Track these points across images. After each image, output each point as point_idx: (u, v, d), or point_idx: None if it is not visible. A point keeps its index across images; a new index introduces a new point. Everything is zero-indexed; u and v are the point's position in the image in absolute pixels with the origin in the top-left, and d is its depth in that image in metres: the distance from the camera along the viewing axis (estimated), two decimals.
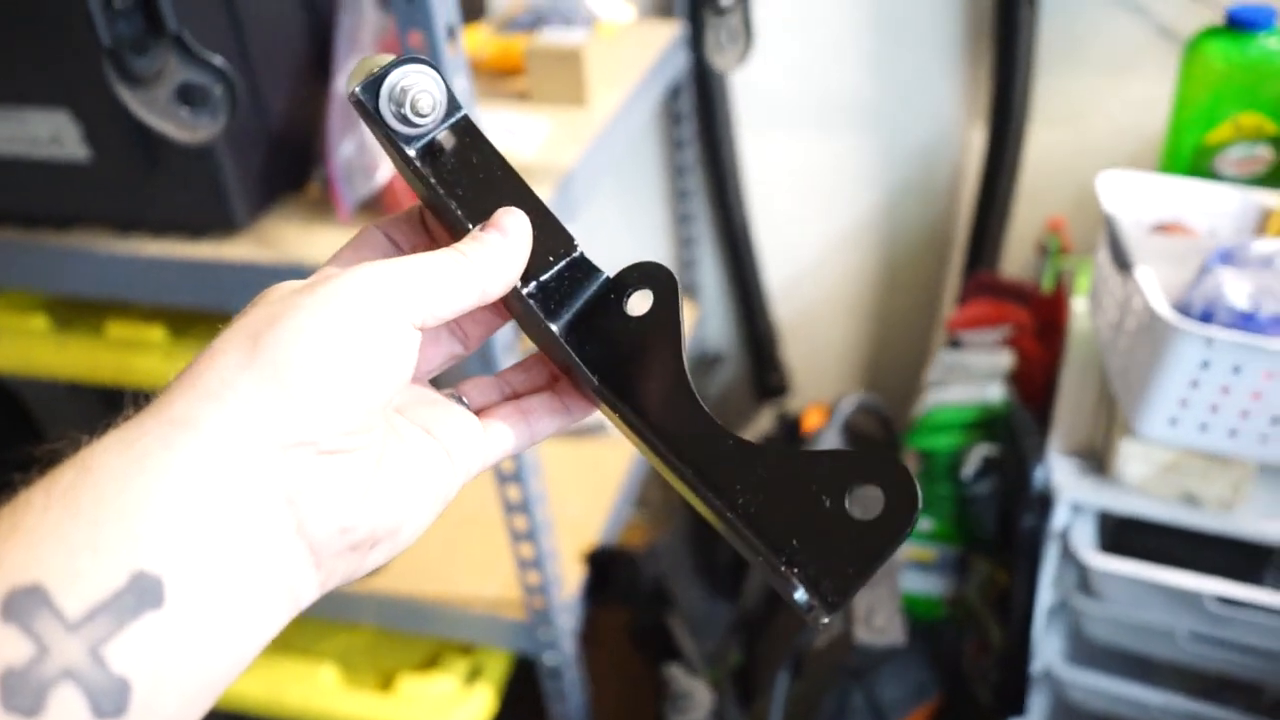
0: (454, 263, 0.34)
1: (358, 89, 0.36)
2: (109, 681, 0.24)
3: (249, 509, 0.28)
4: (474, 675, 1.10)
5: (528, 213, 0.37)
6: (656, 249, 1.45)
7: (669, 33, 1.20)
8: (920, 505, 0.30)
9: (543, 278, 0.37)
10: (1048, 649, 0.98)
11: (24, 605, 0.24)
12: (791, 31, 1.21)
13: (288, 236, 0.86)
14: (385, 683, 1.10)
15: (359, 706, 1.07)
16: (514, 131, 1.00)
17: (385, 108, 0.36)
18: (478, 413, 0.37)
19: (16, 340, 0.97)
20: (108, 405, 0.98)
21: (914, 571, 1.02)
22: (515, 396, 0.39)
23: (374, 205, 0.84)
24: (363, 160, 0.81)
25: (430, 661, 1.12)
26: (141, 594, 0.25)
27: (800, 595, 0.30)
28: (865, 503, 0.31)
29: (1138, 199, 0.93)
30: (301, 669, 1.11)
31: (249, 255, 0.83)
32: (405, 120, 0.37)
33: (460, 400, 0.38)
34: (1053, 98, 1.16)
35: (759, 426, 1.52)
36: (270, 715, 1.11)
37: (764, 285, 1.41)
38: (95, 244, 0.88)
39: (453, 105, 0.38)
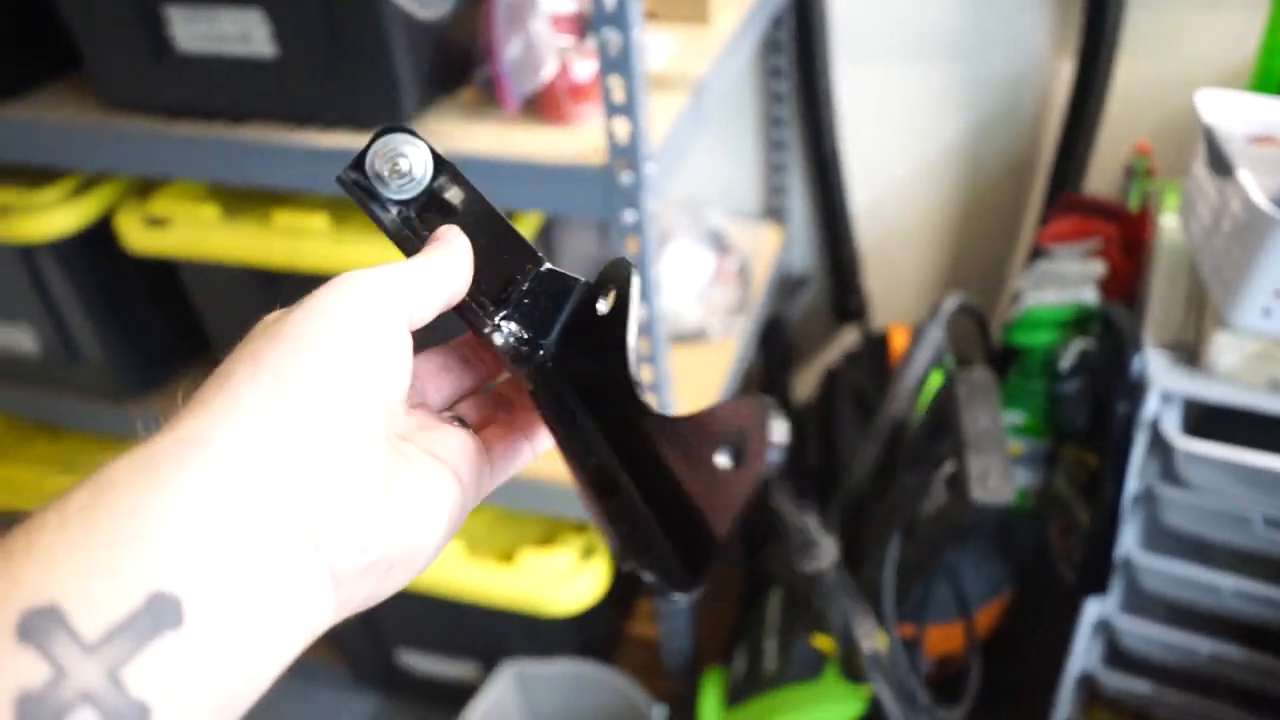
0: (424, 264, 0.36)
1: (343, 172, 0.39)
2: (128, 706, 0.24)
3: (266, 527, 0.28)
4: (588, 552, 1.19)
5: (496, 235, 0.40)
6: (747, 175, 1.52)
7: None
8: (774, 444, 0.30)
9: (515, 295, 0.39)
10: (1126, 537, 1.06)
11: (40, 627, 0.23)
12: None
13: (451, 130, 0.94)
14: (506, 557, 1.20)
15: (483, 576, 1.17)
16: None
17: (373, 178, 0.39)
18: (482, 429, 0.39)
19: (188, 228, 1.06)
20: (270, 295, 1.07)
21: None
22: (512, 407, 0.40)
23: (537, 101, 0.92)
24: (528, 58, 0.89)
25: (548, 538, 1.21)
26: (160, 615, 0.25)
27: (651, 579, 0.32)
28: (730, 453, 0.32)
29: (1233, 114, 0.99)
30: None
31: None
32: (390, 184, 0.39)
33: (460, 421, 0.38)
34: (1142, 29, 1.22)
35: (842, 343, 1.60)
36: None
37: (849, 211, 1.48)
38: (270, 137, 0.97)
39: (438, 162, 0.40)
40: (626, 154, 0.85)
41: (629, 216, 0.88)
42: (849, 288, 1.54)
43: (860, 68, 1.38)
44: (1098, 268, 1.06)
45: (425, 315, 0.35)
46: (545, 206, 0.93)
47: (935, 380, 1.05)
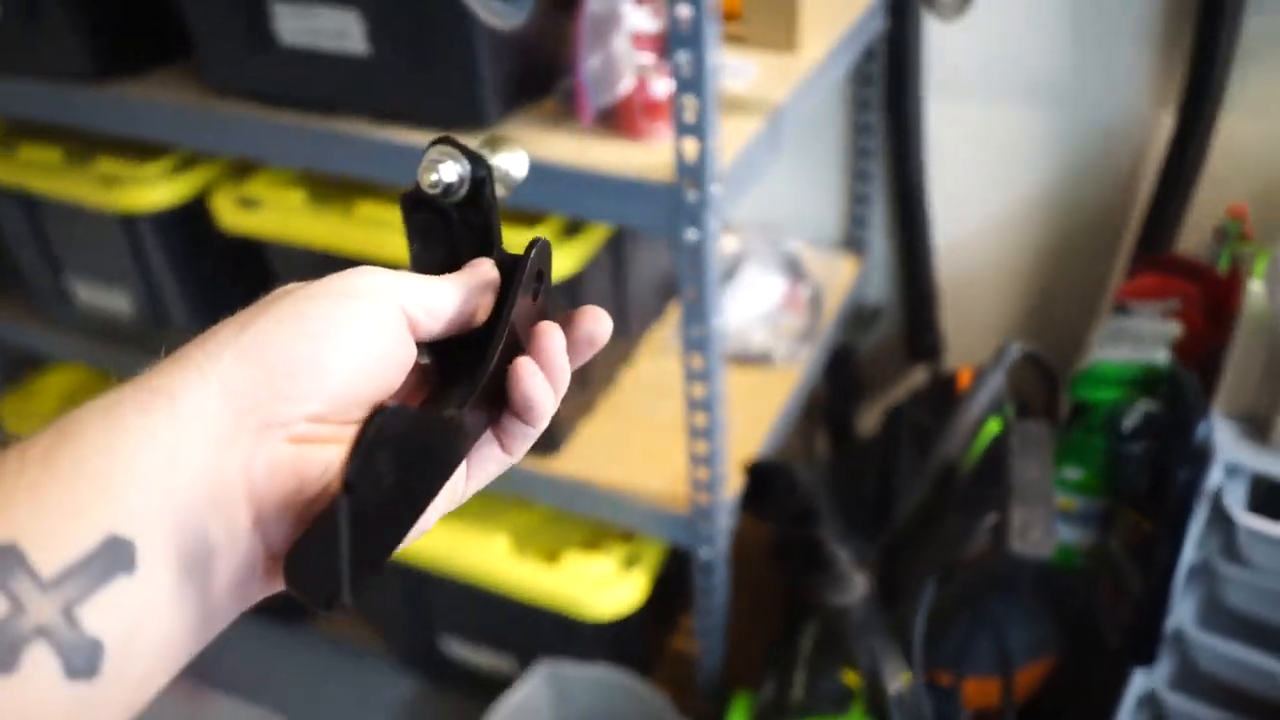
0: (442, 279, 0.37)
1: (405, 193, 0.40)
2: (82, 642, 0.25)
3: (216, 485, 0.28)
4: (631, 561, 1.21)
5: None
6: (830, 204, 1.52)
7: None
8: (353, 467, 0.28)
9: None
10: (1181, 610, 1.02)
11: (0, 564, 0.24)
12: (993, 3, 1.26)
13: (529, 137, 0.96)
14: (551, 557, 1.21)
15: (525, 574, 1.19)
16: (727, 69, 1.09)
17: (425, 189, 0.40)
18: None
19: (277, 211, 1.11)
20: None
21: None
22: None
23: (613, 115, 0.94)
24: (607, 73, 0.91)
25: (592, 544, 1.23)
26: (114, 557, 0.25)
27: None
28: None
29: None
30: (478, 536, 1.23)
31: None
32: (431, 194, 0.40)
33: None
34: (1249, 85, 1.18)
35: (911, 382, 1.58)
36: (446, 571, 1.24)
37: (930, 248, 1.47)
38: (358, 130, 1.01)
39: (476, 166, 0.40)
40: (693, 173, 0.86)
41: (692, 235, 0.89)
42: (924, 325, 1.52)
43: (952, 105, 1.37)
44: (1174, 329, 1.03)
45: (431, 328, 0.36)
46: (611, 218, 0.95)
47: (993, 427, 1.03)
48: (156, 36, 1.14)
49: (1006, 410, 1.07)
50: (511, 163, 0.41)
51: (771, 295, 1.42)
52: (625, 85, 0.91)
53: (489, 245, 0.42)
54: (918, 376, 1.57)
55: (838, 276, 1.49)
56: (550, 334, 0.38)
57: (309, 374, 0.31)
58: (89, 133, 1.20)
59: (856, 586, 0.97)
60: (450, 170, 0.40)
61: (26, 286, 1.44)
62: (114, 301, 1.33)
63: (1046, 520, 0.82)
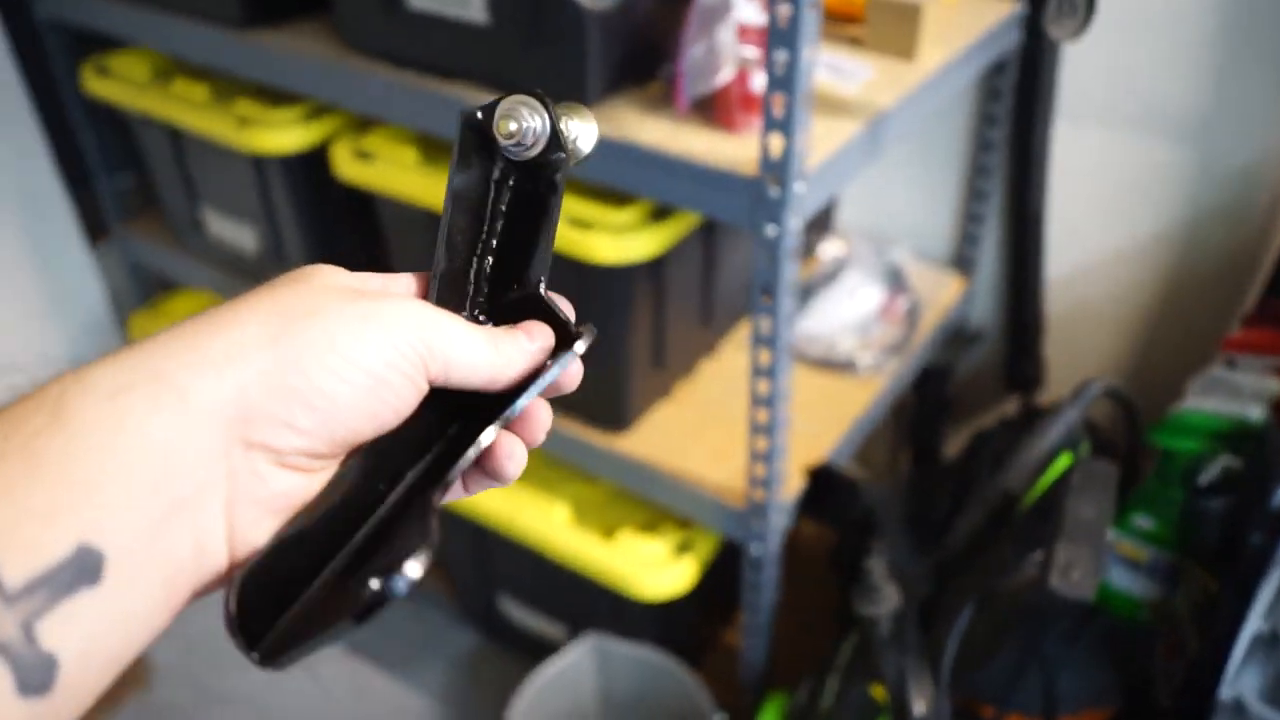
0: (485, 343, 0.35)
1: (469, 110, 0.39)
2: (37, 659, 0.23)
3: (199, 490, 0.28)
4: (684, 548, 1.22)
5: (528, 237, 0.40)
6: (942, 219, 1.49)
7: (1006, 9, 1.23)
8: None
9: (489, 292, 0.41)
10: (1245, 681, 0.97)
11: None
12: (1132, 29, 1.21)
13: (628, 119, 0.98)
14: (607, 533, 1.24)
15: (581, 546, 1.22)
16: (839, 71, 1.09)
17: (493, 125, 0.39)
18: None
19: (389, 166, 1.16)
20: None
21: (1121, 567, 1.04)
22: None
23: (708, 104, 0.95)
24: (709, 62, 0.92)
25: (650, 526, 1.24)
26: (81, 569, 0.24)
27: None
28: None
29: None
30: (541, 503, 1.27)
31: None
32: (499, 137, 0.39)
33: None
34: None
35: (1002, 411, 1.54)
36: (508, 533, 1.28)
37: (1042, 276, 1.42)
38: (471, 95, 1.05)
39: (553, 143, 0.39)
40: (777, 169, 0.86)
41: (771, 230, 0.90)
42: (1026, 355, 1.47)
43: (1081, 130, 1.32)
44: (1275, 386, 0.98)
45: (455, 381, 0.35)
46: (695, 206, 0.96)
47: (1064, 462, 1.00)
48: None
49: (1081, 447, 1.03)
50: (581, 132, 0.40)
51: (868, 304, 1.41)
52: (725, 76, 0.92)
53: (533, 231, 0.40)
54: (1012, 405, 1.53)
55: (941, 293, 1.46)
56: (545, 421, 0.38)
57: (323, 410, 0.30)
58: (233, 76, 1.28)
59: (887, 599, 0.96)
60: (531, 120, 0.38)
61: (166, 213, 1.55)
62: (240, 235, 1.42)
63: (1092, 562, 0.80)
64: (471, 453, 0.35)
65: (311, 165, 1.27)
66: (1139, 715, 1.11)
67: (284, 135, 1.24)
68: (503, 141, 0.39)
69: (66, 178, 1.57)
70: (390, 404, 0.32)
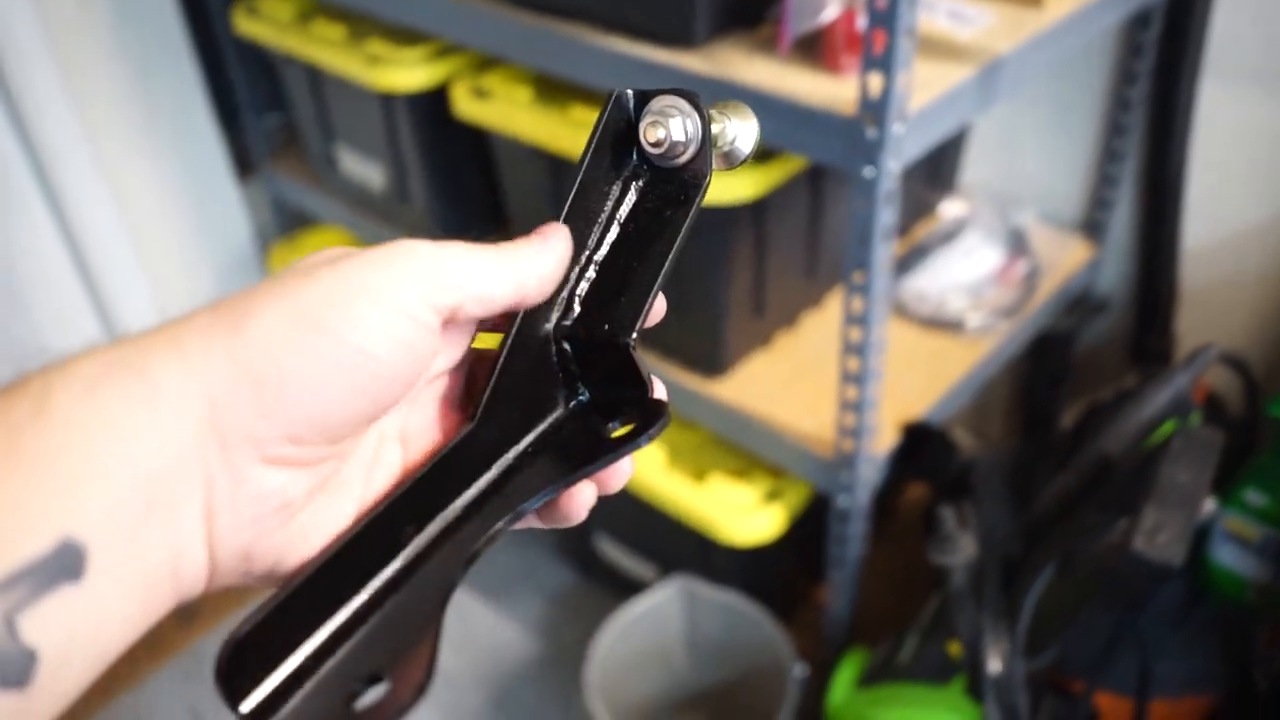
0: (494, 258, 0.32)
1: (623, 92, 0.36)
2: (17, 652, 0.23)
3: (176, 491, 0.27)
4: (773, 495, 1.22)
5: (634, 278, 0.36)
6: (1074, 181, 1.42)
7: None
8: None
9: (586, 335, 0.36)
10: None
11: None
12: None
13: (733, 59, 0.98)
14: (699, 477, 1.25)
15: (673, 488, 1.24)
16: (959, 16, 1.05)
17: (640, 120, 0.36)
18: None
19: (503, 104, 1.20)
20: (555, 175, 1.18)
21: (1230, 544, 0.98)
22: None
23: (812, 41, 0.94)
24: (814, 0, 0.91)
25: (741, 473, 1.25)
26: (62, 564, 0.24)
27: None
28: None
29: None
30: None
31: (696, 67, 0.97)
32: (642, 137, 0.36)
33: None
34: None
35: (1121, 384, 1.47)
36: None
37: (1179, 245, 1.35)
38: (584, 36, 1.06)
39: (699, 159, 0.36)
40: (875, 109, 0.85)
41: (868, 172, 0.89)
42: (1157, 327, 1.40)
43: (1230, 89, 1.24)
44: None
45: (480, 311, 0.33)
46: (795, 148, 0.96)
47: (1168, 428, 0.96)
48: None
49: (1193, 417, 0.98)
50: (740, 131, 0.37)
51: (984, 266, 1.37)
52: (829, 14, 0.91)
53: (648, 254, 0.36)
54: (1129, 380, 1.46)
55: (1066, 258, 1.40)
56: (628, 472, 0.36)
57: (295, 394, 0.28)
58: (368, 16, 1.34)
59: (962, 549, 0.94)
60: (680, 131, 0.35)
61: (306, 151, 1.63)
62: (370, 173, 1.49)
63: (1181, 527, 0.76)
64: (502, 525, 0.33)
65: (435, 104, 1.32)
66: (1242, 703, 1.06)
67: (410, 73, 1.29)
68: (646, 146, 0.36)
69: (219, 116, 1.68)
70: (380, 373, 0.29)
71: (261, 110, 1.69)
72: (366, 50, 1.32)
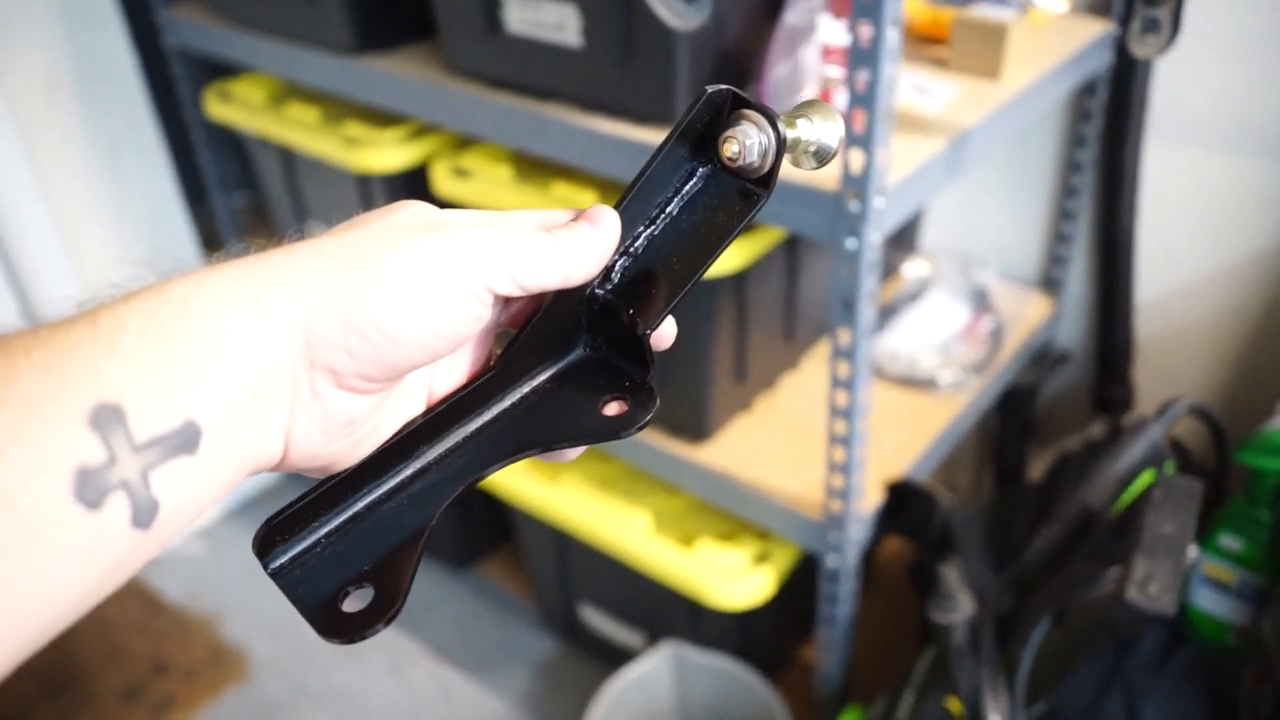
0: (547, 243, 0.37)
1: (716, 92, 0.38)
2: (148, 499, 0.29)
3: (271, 395, 0.33)
4: (762, 558, 1.24)
5: (678, 272, 0.39)
6: (1030, 240, 1.48)
7: (1097, 29, 1.23)
8: None
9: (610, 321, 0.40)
10: None
11: (106, 419, 0.28)
12: (1227, 47, 1.20)
13: None
14: (687, 542, 1.26)
15: (660, 554, 1.25)
16: (923, 90, 1.10)
17: (720, 128, 0.37)
18: None
19: (484, 183, 1.22)
20: None
21: (1208, 589, 1.02)
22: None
23: None
24: (793, 81, 0.95)
25: (728, 536, 1.27)
26: (185, 439, 0.30)
27: None
28: None
29: None
30: (623, 510, 1.30)
31: None
32: (717, 146, 0.38)
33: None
34: None
35: (1088, 435, 1.52)
36: (589, 541, 1.32)
37: (1132, 299, 1.41)
38: (565, 116, 1.09)
39: (767, 177, 0.38)
40: (857, 184, 0.89)
41: (850, 243, 0.92)
42: (1116, 377, 1.45)
43: (1173, 151, 1.31)
44: None
45: (529, 287, 0.37)
46: (779, 222, 0.99)
47: (1145, 479, 0.99)
48: (409, 18, 1.28)
49: (1166, 466, 1.02)
50: (825, 131, 0.38)
51: (951, 324, 1.41)
52: (806, 95, 0.95)
53: (685, 251, 0.38)
54: (1100, 429, 1.51)
55: (1027, 314, 1.45)
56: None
57: (375, 340, 0.34)
58: (343, 99, 1.36)
59: (961, 607, 0.96)
60: (757, 151, 0.37)
61: (276, 230, 1.64)
62: None
63: (1172, 576, 0.79)
64: (495, 469, 0.38)
65: (413, 183, 1.34)
66: None
67: (388, 154, 1.31)
68: (723, 153, 0.37)
69: (186, 195, 1.68)
70: (444, 334, 0.36)
71: (230, 190, 1.69)
72: (343, 132, 1.34)
